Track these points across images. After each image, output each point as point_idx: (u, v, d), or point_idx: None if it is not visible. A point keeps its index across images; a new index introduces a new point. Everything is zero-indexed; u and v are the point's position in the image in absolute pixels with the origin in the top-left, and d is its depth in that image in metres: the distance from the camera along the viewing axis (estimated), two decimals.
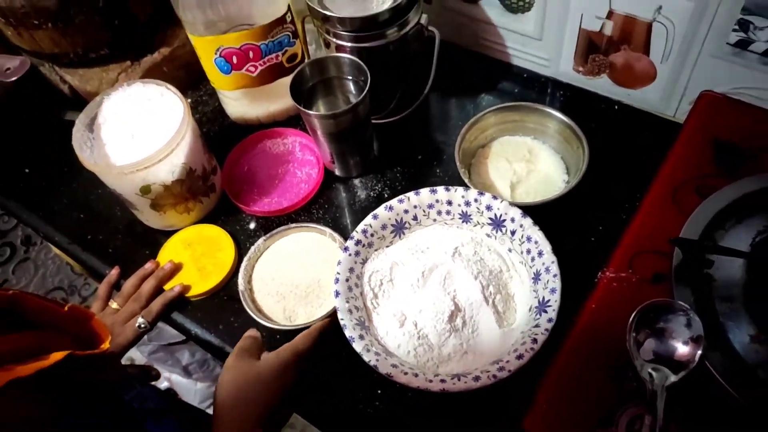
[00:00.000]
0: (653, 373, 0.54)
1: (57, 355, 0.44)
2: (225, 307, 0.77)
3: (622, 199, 0.76)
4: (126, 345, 0.74)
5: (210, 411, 1.47)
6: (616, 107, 0.86)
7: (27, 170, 0.95)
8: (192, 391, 1.49)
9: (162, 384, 1.58)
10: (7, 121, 0.94)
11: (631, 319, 0.55)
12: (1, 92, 0.94)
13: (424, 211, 0.70)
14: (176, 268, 0.79)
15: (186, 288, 0.78)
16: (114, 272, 0.81)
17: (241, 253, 0.79)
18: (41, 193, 0.92)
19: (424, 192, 0.69)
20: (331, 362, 0.68)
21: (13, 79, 0.75)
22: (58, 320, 0.52)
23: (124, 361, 1.47)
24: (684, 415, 0.53)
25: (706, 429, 0.53)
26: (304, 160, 0.87)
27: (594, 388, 0.56)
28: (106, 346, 0.51)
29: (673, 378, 0.53)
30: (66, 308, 0.53)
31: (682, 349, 0.54)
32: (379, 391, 0.68)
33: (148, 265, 0.80)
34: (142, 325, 0.74)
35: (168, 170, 0.74)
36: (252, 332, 0.67)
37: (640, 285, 0.60)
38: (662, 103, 0.82)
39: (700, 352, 0.53)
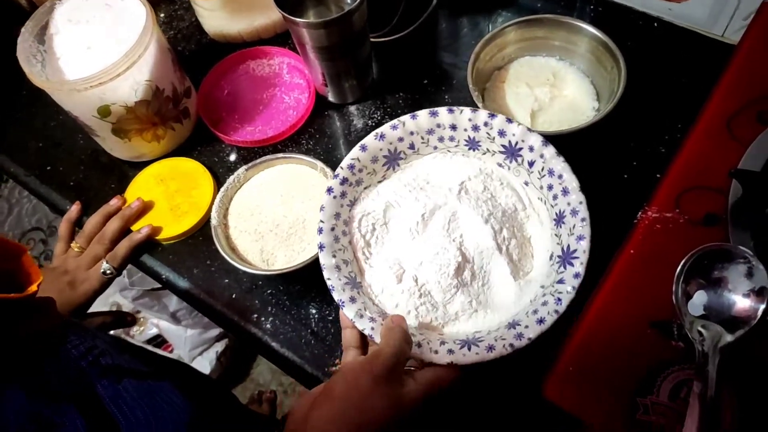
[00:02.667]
0: (704, 332, 0.45)
1: None
2: (201, 249, 0.67)
3: (662, 130, 0.65)
4: (92, 293, 0.66)
5: (203, 357, 1.41)
6: (656, 24, 0.74)
7: None
8: (182, 338, 1.43)
9: (150, 331, 1.51)
10: None
11: (679, 268, 0.46)
12: None
13: (422, 138, 0.57)
14: (146, 207, 0.70)
15: (156, 230, 0.68)
16: (74, 208, 0.72)
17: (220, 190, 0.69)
18: None
19: (423, 115, 0.56)
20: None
21: None
22: None
23: (108, 306, 1.40)
24: (740, 381, 0.44)
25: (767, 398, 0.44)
26: (292, 84, 0.76)
27: (631, 348, 0.47)
28: (33, 288, 0.42)
29: (728, 338, 0.44)
30: None
31: (741, 303, 0.45)
32: None
33: (113, 202, 0.70)
34: (108, 271, 0.66)
35: (129, 87, 0.63)
36: (403, 322, 0.47)
37: (689, 227, 0.50)
38: (710, 19, 0.70)
39: (763, 306, 0.44)
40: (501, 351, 0.46)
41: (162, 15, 0.86)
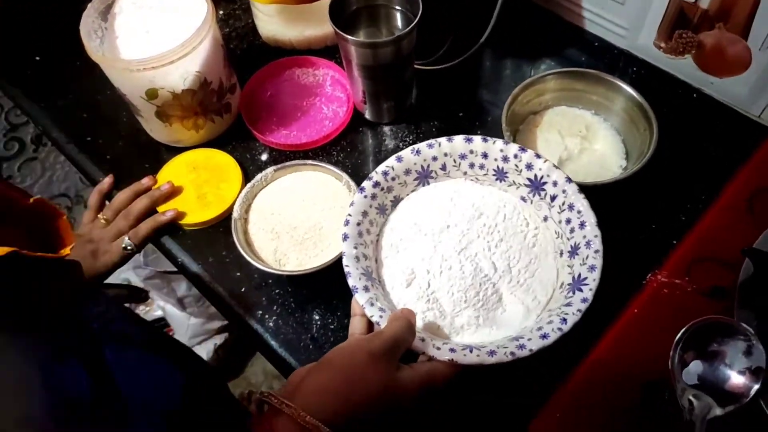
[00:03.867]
0: (694, 401, 0.45)
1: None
2: (219, 240, 0.69)
3: (685, 198, 0.66)
4: (111, 265, 0.68)
5: (201, 347, 1.42)
6: (695, 95, 0.75)
7: (37, 58, 0.88)
8: (185, 325, 1.44)
9: (156, 312, 1.53)
10: (25, 1, 0.86)
11: (680, 334, 0.46)
12: None
13: (454, 161, 0.61)
14: (174, 192, 0.72)
15: (180, 215, 0.70)
16: (107, 180, 0.74)
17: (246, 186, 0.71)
18: (48, 84, 0.85)
19: (458, 139, 0.59)
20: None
21: None
22: (18, 212, 0.45)
23: (119, 280, 1.43)
24: None
25: None
26: (333, 96, 0.78)
27: (619, 405, 0.47)
28: (66, 251, 0.44)
29: (717, 411, 0.44)
30: (31, 200, 0.45)
31: (735, 379, 0.45)
32: None
33: (145, 181, 0.72)
34: (128, 247, 0.68)
35: (179, 76, 0.65)
36: (411, 315, 0.49)
37: (696, 297, 0.51)
38: (750, 98, 0.71)
39: (757, 386, 0.44)
40: (501, 357, 0.47)
41: (221, 12, 0.90)
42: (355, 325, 0.52)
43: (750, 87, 0.70)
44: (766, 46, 0.65)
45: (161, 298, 1.44)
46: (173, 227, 0.71)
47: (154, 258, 1.27)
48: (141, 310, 1.54)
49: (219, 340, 1.48)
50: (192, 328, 1.46)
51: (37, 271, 0.43)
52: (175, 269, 1.31)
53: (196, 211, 0.71)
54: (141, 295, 0.78)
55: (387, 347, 0.45)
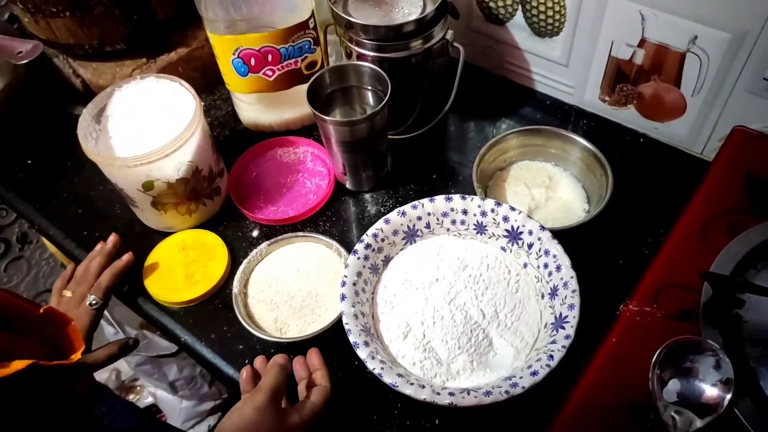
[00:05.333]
0: (676, 417, 0.50)
1: (18, 364, 0.39)
2: (219, 316, 0.73)
3: (644, 233, 0.73)
4: (84, 329, 0.69)
5: (194, 430, 1.41)
6: (642, 140, 0.83)
7: (29, 161, 0.92)
8: (177, 409, 1.43)
9: (146, 400, 1.52)
10: (16, 109, 0.91)
11: (655, 356, 0.51)
12: (13, 80, 0.92)
13: (437, 219, 0.67)
14: (118, 241, 0.76)
15: (132, 257, 0.75)
16: (70, 267, 0.78)
17: (235, 265, 0.75)
18: (41, 185, 0.89)
19: (439, 199, 0.66)
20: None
21: (25, 62, 0.73)
22: (31, 322, 0.47)
23: (108, 371, 1.42)
24: None
25: None
26: (314, 171, 0.84)
27: (611, 428, 0.51)
28: (77, 356, 0.47)
29: (698, 423, 0.49)
30: (41, 310, 0.48)
31: (709, 391, 0.50)
32: (375, 417, 0.63)
33: (97, 248, 0.76)
34: (93, 302, 0.70)
35: (173, 167, 0.71)
36: (283, 360, 0.60)
37: (665, 321, 0.56)
38: (690, 138, 0.79)
39: (729, 396, 0.49)
40: (497, 396, 0.51)
41: (202, 104, 0.96)
42: (243, 379, 0.61)
43: (689, 128, 0.78)
44: (697, 92, 0.74)
45: (152, 384, 1.44)
46: (162, 307, 0.74)
47: (146, 343, 1.28)
48: (131, 398, 1.53)
49: (212, 421, 1.47)
50: (184, 411, 1.45)
51: (54, 378, 0.46)
52: (166, 353, 1.32)
53: (183, 289, 0.74)
54: (129, 344, 0.78)
55: (268, 397, 0.54)
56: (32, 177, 0.90)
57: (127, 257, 0.75)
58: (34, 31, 0.87)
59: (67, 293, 0.74)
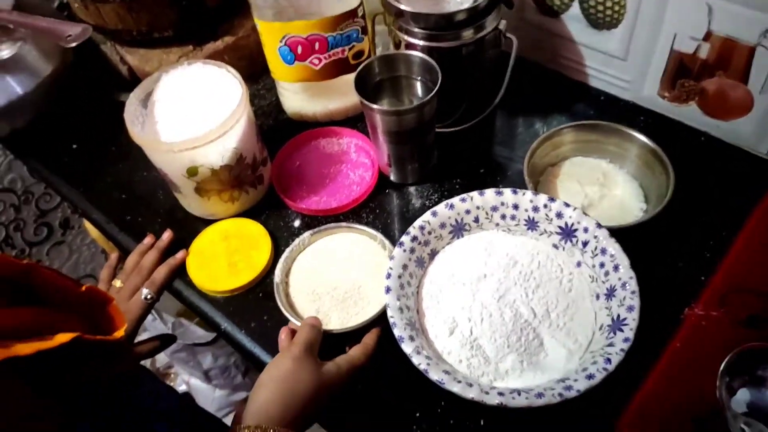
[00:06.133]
0: (746, 429, 0.46)
1: (63, 337, 0.39)
2: (259, 305, 0.71)
3: (706, 235, 0.69)
4: (134, 321, 0.70)
5: (227, 420, 1.42)
6: (702, 138, 0.79)
7: (75, 146, 0.93)
8: (210, 398, 1.44)
9: (180, 387, 1.53)
10: (63, 94, 0.92)
11: (723, 364, 0.48)
12: (60, 66, 0.93)
13: (486, 214, 0.64)
14: (172, 237, 0.77)
15: (187, 253, 0.75)
16: (114, 256, 0.79)
17: (277, 255, 0.74)
18: (86, 170, 0.90)
19: (489, 192, 0.63)
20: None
21: (74, 44, 0.73)
22: (72, 300, 0.47)
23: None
24: None
25: None
26: (358, 162, 0.83)
27: None
28: (120, 333, 0.46)
29: None
30: (83, 288, 0.48)
31: None
32: (418, 414, 0.61)
33: (147, 240, 0.77)
34: (148, 296, 0.71)
35: (218, 153, 0.70)
36: (315, 320, 0.61)
37: (733, 327, 0.53)
38: (755, 137, 0.74)
39: None
40: (550, 399, 0.49)
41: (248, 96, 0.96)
42: (281, 339, 0.63)
43: (754, 127, 0.74)
44: (766, 88, 0.70)
45: (186, 372, 1.45)
46: (203, 294, 0.73)
47: (181, 331, 1.29)
48: None
49: None
50: (217, 400, 1.46)
51: (97, 355, 0.45)
52: (202, 341, 1.33)
53: (227, 278, 0.73)
54: (171, 340, 0.79)
55: (303, 348, 0.56)
56: (77, 162, 0.91)
57: (182, 254, 0.75)
58: (83, 17, 0.87)
59: (117, 283, 0.74)
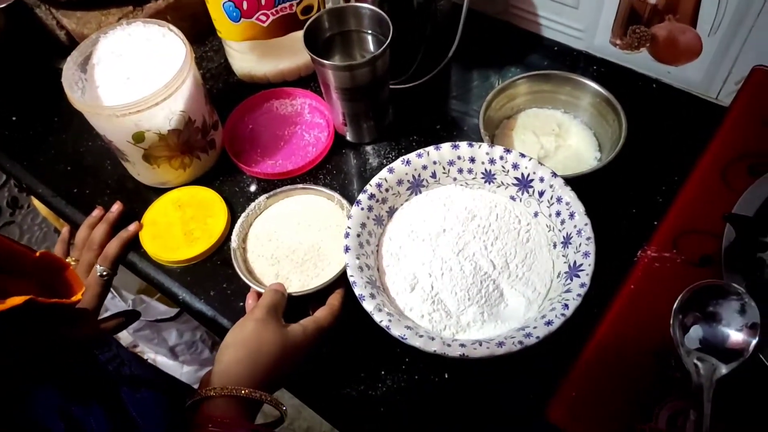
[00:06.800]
0: (699, 363, 0.48)
1: (15, 300, 0.37)
2: (218, 272, 0.70)
3: (658, 180, 0.70)
4: (94, 298, 0.68)
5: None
6: (654, 85, 0.79)
7: (14, 118, 0.88)
8: (178, 374, 1.42)
9: None
10: None
11: (677, 302, 0.49)
12: None
13: (443, 168, 0.63)
14: (122, 209, 0.75)
15: (140, 226, 0.73)
16: (65, 230, 0.77)
17: (234, 221, 0.72)
18: (28, 142, 0.85)
19: (445, 147, 0.62)
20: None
21: (2, 6, 0.68)
22: (26, 266, 0.45)
23: None
24: (733, 411, 0.47)
25: (760, 429, 0.46)
26: (313, 123, 0.81)
27: (630, 377, 0.49)
28: (77, 297, 0.45)
29: (723, 369, 0.47)
30: (37, 254, 0.46)
31: (734, 336, 0.48)
32: (383, 372, 0.61)
33: (95, 212, 0.75)
34: (103, 273, 0.69)
35: (164, 117, 0.67)
36: (278, 286, 0.61)
37: (685, 267, 0.54)
38: (705, 82, 0.75)
39: (755, 341, 0.47)
40: (510, 347, 0.49)
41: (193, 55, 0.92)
42: (248, 303, 0.63)
43: (704, 72, 0.74)
44: (714, 32, 0.70)
45: (151, 349, 1.43)
46: (159, 266, 0.72)
47: (143, 308, 1.26)
48: None
49: None
50: (185, 376, 1.44)
51: (53, 319, 0.44)
52: (165, 317, 1.30)
53: (183, 247, 0.71)
54: (136, 316, 0.78)
55: (267, 311, 0.56)
56: (18, 134, 0.87)
57: (134, 226, 0.73)
58: None
59: (71, 260, 0.72)
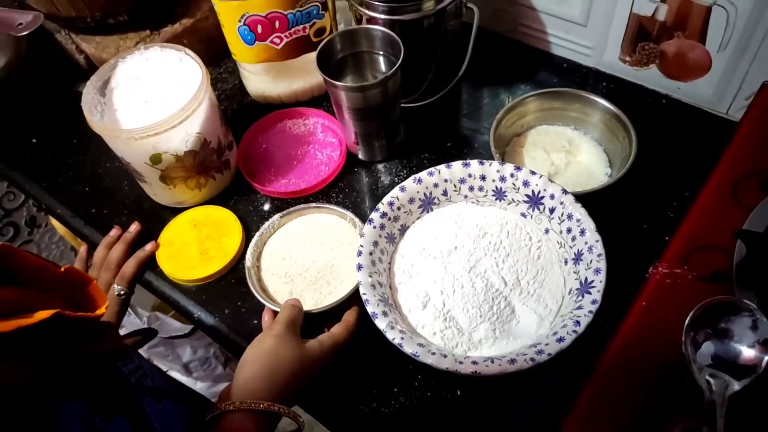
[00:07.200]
0: (712, 380, 0.47)
1: (43, 314, 0.38)
2: (232, 291, 0.71)
3: (669, 196, 0.70)
4: (113, 317, 0.69)
5: None
6: (664, 101, 0.80)
7: (34, 140, 0.91)
8: None
9: None
10: (18, 88, 0.90)
11: (688, 318, 0.49)
12: (14, 58, 0.90)
13: (455, 186, 0.64)
14: (140, 228, 0.76)
15: (157, 245, 0.74)
16: (83, 249, 0.78)
17: (248, 240, 0.73)
18: (47, 164, 0.88)
19: (456, 165, 0.63)
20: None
21: (26, 33, 0.70)
22: (51, 281, 0.47)
23: None
24: (747, 428, 0.47)
25: None
26: (325, 142, 0.82)
27: (643, 394, 0.49)
28: (101, 311, 0.46)
29: (735, 386, 0.47)
30: (62, 269, 0.48)
31: (746, 353, 0.48)
32: (396, 389, 0.61)
33: (113, 232, 0.76)
34: (121, 292, 0.70)
35: (181, 139, 0.69)
36: (295, 301, 0.62)
37: (697, 283, 0.54)
38: (715, 97, 0.76)
39: (767, 357, 0.46)
40: (522, 364, 0.49)
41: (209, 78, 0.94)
42: (265, 320, 0.65)
43: (714, 87, 0.75)
44: (723, 48, 0.71)
45: (165, 366, 1.43)
46: (174, 284, 0.73)
47: (158, 324, 1.28)
48: None
49: None
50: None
51: (79, 332, 0.45)
52: (179, 334, 1.31)
53: (199, 266, 0.72)
54: (153, 334, 0.79)
55: (285, 327, 0.57)
56: (38, 156, 0.89)
57: (151, 246, 0.74)
58: (34, 4, 0.84)
59: None
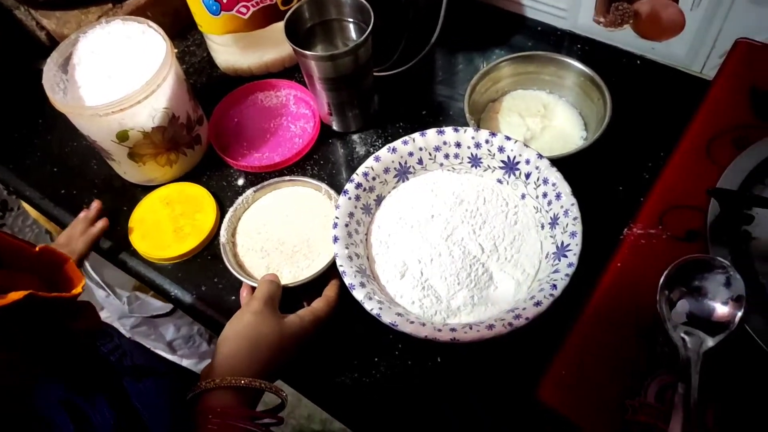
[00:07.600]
0: (686, 337, 0.48)
1: (15, 295, 0.38)
2: (209, 267, 0.70)
3: (644, 157, 0.70)
4: None
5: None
6: (638, 62, 0.79)
7: None
8: None
9: None
10: None
11: (663, 277, 0.49)
12: None
13: (430, 154, 0.63)
14: (100, 207, 0.74)
15: (106, 225, 0.72)
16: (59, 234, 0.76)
17: (223, 216, 0.72)
18: (12, 145, 0.85)
19: (431, 133, 0.62)
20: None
21: None
22: (26, 261, 0.46)
23: None
24: (721, 383, 0.47)
25: (747, 400, 0.47)
26: (298, 114, 0.80)
27: (619, 354, 0.50)
28: (78, 290, 0.46)
29: (710, 342, 0.47)
30: (37, 249, 0.47)
31: (720, 309, 0.48)
32: (377, 359, 0.61)
33: (81, 214, 0.74)
34: None
35: (148, 114, 0.67)
36: (273, 276, 0.61)
37: (672, 243, 0.54)
38: (689, 56, 0.75)
39: (740, 313, 0.47)
40: (500, 329, 0.50)
41: (175, 50, 0.91)
42: (243, 297, 0.63)
43: (688, 46, 0.74)
44: (696, 6, 0.70)
45: (149, 345, 1.43)
46: (149, 263, 0.72)
47: (139, 304, 1.26)
48: None
49: None
50: None
51: (55, 312, 0.44)
52: (161, 313, 1.30)
53: (174, 244, 0.71)
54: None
55: (263, 302, 0.56)
56: (3, 138, 0.86)
57: (101, 224, 0.72)
58: None
59: None
